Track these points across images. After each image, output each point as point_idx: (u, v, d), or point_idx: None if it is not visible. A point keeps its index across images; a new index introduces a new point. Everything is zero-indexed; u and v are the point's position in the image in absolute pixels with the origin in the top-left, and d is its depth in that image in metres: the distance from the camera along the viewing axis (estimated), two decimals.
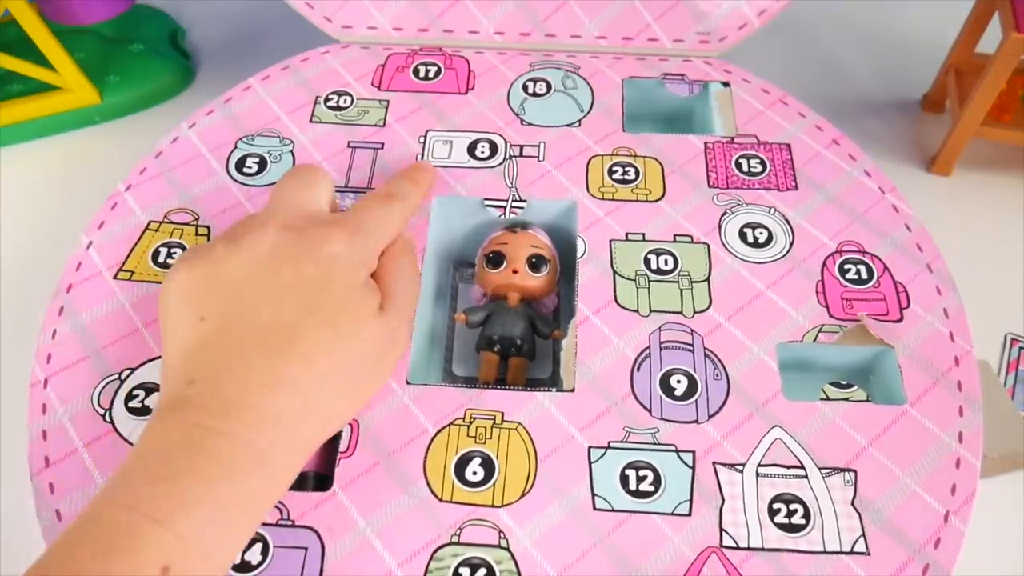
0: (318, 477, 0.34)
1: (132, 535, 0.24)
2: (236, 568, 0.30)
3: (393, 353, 0.32)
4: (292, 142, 0.43)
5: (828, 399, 0.34)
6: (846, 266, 0.38)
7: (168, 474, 0.25)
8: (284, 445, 0.28)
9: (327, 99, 0.46)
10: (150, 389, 0.34)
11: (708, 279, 0.38)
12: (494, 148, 0.43)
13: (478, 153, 0.43)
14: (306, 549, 0.30)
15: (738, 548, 0.30)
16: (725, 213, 0.40)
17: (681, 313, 0.36)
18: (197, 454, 0.26)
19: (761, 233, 0.39)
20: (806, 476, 0.32)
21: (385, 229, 0.34)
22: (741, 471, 0.32)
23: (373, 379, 0.31)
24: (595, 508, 0.31)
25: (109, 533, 0.24)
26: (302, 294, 0.29)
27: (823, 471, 0.32)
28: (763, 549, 0.30)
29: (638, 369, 0.35)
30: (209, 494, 0.25)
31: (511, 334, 0.38)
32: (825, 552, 0.30)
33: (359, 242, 0.31)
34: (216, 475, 0.26)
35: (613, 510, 0.31)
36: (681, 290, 0.37)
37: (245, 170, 0.42)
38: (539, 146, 0.43)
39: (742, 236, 0.39)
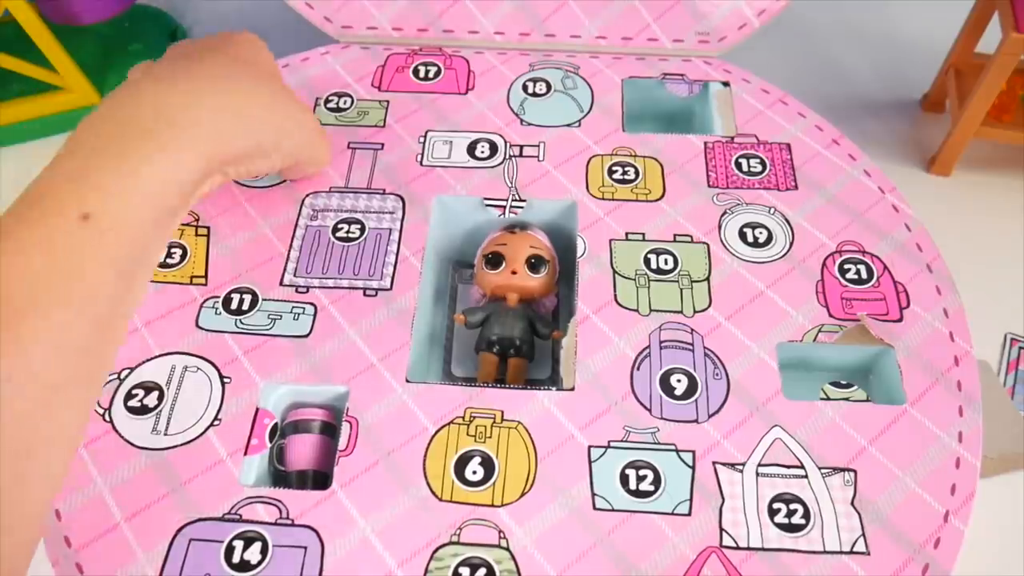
0: (317, 476, 0.34)
1: (51, 192, 0.27)
2: (236, 568, 0.30)
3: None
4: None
5: (828, 399, 0.34)
6: (846, 266, 0.38)
7: (90, 148, 0.29)
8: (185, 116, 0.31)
9: (327, 100, 0.46)
10: (149, 388, 0.34)
11: (708, 279, 0.38)
12: (494, 148, 0.43)
13: (478, 153, 0.43)
14: (306, 548, 0.30)
15: (738, 548, 0.30)
16: (725, 213, 0.40)
17: (681, 313, 0.36)
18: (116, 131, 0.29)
19: (761, 233, 0.39)
20: (806, 476, 0.32)
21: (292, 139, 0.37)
22: (741, 471, 0.32)
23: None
24: (595, 508, 0.31)
25: (31, 194, 0.27)
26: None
27: (823, 471, 0.32)
28: (763, 549, 0.30)
29: (638, 368, 0.35)
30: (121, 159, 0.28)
31: (510, 335, 0.38)
32: (825, 552, 0.30)
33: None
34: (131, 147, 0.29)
35: (613, 510, 0.31)
36: (681, 290, 0.37)
37: None
38: (539, 146, 0.43)
39: (742, 236, 0.39)
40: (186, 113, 0.31)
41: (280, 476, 0.34)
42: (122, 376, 0.35)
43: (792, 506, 0.31)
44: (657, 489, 0.32)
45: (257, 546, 0.30)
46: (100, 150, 0.28)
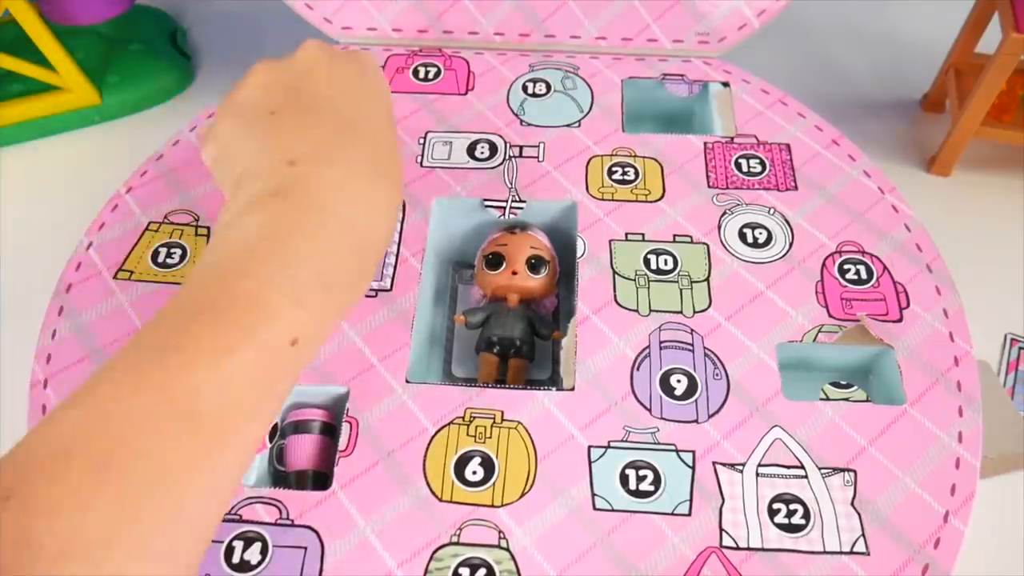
0: (317, 476, 0.34)
1: (271, 309, 0.24)
2: (236, 568, 0.30)
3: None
4: None
5: (828, 399, 0.34)
6: (846, 266, 0.38)
7: (292, 256, 0.25)
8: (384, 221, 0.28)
9: None
10: None
11: (708, 279, 0.38)
12: (494, 149, 0.43)
13: (478, 154, 0.43)
14: (306, 549, 0.30)
15: (738, 548, 0.30)
16: (725, 213, 0.40)
17: (681, 313, 0.36)
18: (314, 238, 0.26)
19: (761, 233, 0.39)
20: (806, 476, 0.32)
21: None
22: (741, 471, 0.32)
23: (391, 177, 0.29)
24: (595, 508, 0.31)
25: (251, 305, 0.24)
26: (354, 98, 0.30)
27: (823, 471, 0.32)
28: (763, 549, 0.30)
29: (638, 369, 0.35)
30: (328, 278, 0.25)
31: (510, 335, 0.38)
32: (825, 552, 0.30)
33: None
34: (333, 260, 0.26)
35: (613, 510, 0.31)
36: (681, 290, 0.37)
37: None
38: (539, 146, 0.43)
39: (742, 236, 0.39)
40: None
41: (280, 476, 0.34)
42: None
43: (792, 506, 0.31)
44: (657, 489, 0.32)
45: (257, 546, 0.30)
46: (304, 259, 0.25)
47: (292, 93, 0.29)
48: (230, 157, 0.28)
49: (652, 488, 0.32)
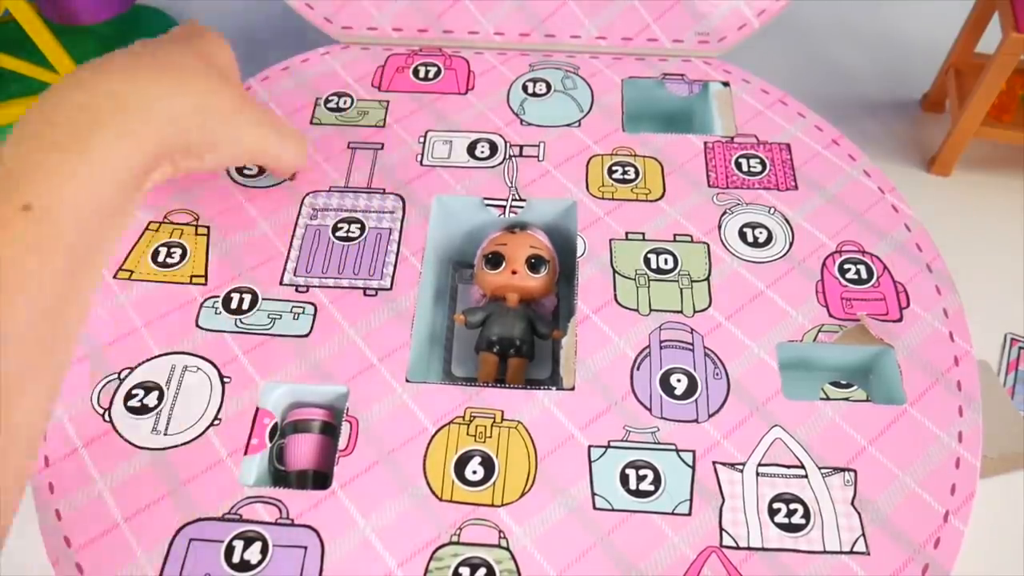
0: (317, 476, 0.34)
1: None
2: (236, 568, 0.30)
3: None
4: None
5: (828, 399, 0.34)
6: (846, 266, 0.38)
7: (32, 128, 0.28)
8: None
9: (327, 100, 0.46)
10: (149, 388, 0.34)
11: (708, 278, 0.38)
12: (494, 148, 0.43)
13: (478, 153, 0.43)
14: (305, 548, 0.30)
15: (738, 548, 0.30)
16: (725, 213, 0.40)
17: (681, 312, 0.36)
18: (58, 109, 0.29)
19: (761, 233, 0.39)
20: (806, 476, 0.32)
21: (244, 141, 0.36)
22: (741, 471, 0.32)
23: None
24: (595, 507, 0.31)
25: None
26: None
27: (823, 471, 0.32)
28: (763, 549, 0.30)
29: (638, 368, 0.35)
30: (67, 143, 0.28)
31: (510, 335, 0.38)
32: (825, 552, 0.30)
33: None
34: (76, 125, 0.29)
35: (613, 509, 0.31)
36: (681, 289, 0.37)
37: (246, 171, 0.42)
38: (539, 146, 0.43)
39: (742, 236, 0.39)
40: (138, 100, 0.31)
41: (280, 476, 0.34)
42: (122, 376, 0.35)
43: (792, 506, 0.31)
44: (657, 489, 0.32)
45: (257, 546, 0.30)
46: (46, 138, 0.28)
47: None
48: None
49: (652, 488, 0.32)
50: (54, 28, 0.59)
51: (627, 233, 0.39)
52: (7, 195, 0.27)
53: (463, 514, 0.31)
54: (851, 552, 0.30)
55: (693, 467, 0.32)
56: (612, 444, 0.33)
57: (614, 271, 0.38)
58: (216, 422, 0.33)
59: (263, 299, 0.37)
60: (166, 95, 0.32)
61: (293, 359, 0.35)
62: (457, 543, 0.30)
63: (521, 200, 0.41)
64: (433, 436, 0.33)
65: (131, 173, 0.30)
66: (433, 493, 0.31)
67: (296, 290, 0.37)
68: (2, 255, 0.26)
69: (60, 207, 0.27)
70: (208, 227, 0.40)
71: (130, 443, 0.33)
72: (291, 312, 0.37)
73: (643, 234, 0.39)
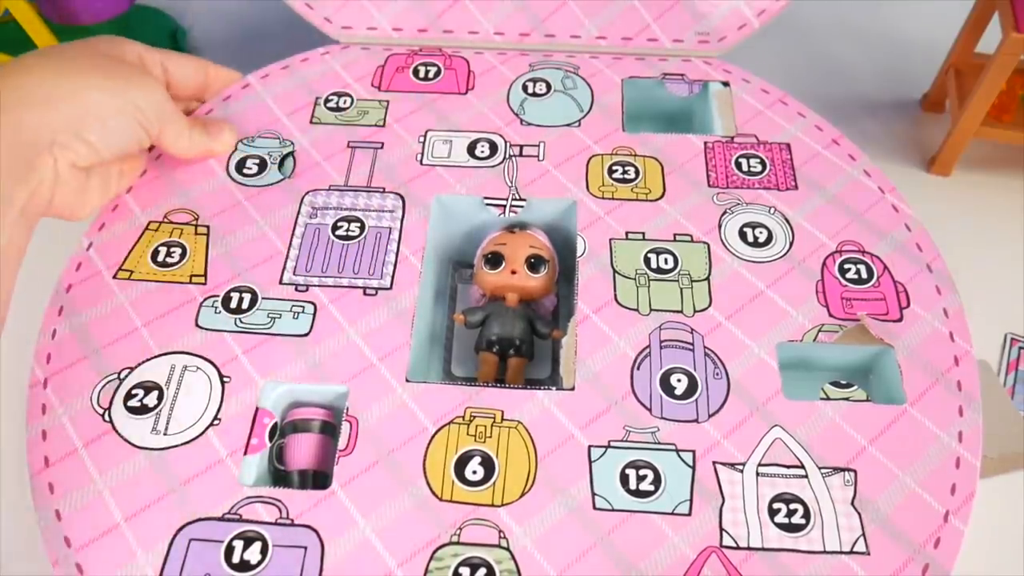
0: (317, 475, 0.34)
1: None
2: (236, 568, 0.30)
3: None
4: (292, 143, 0.43)
5: (828, 399, 0.34)
6: (846, 266, 0.38)
7: None
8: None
9: (327, 100, 0.46)
10: (149, 388, 0.34)
11: (708, 278, 0.38)
12: (494, 148, 0.43)
13: (478, 153, 0.43)
14: (305, 548, 0.30)
15: (738, 548, 0.30)
16: (725, 212, 0.40)
17: (681, 312, 0.36)
18: None
19: (761, 233, 0.39)
20: (806, 476, 0.32)
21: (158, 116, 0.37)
22: (741, 471, 0.32)
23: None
24: (595, 507, 0.31)
25: None
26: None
27: (823, 471, 0.32)
28: (763, 549, 0.30)
29: (638, 368, 0.35)
30: None
31: (510, 334, 0.38)
32: (825, 552, 0.30)
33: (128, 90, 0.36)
34: None
35: (613, 509, 0.31)
36: (681, 289, 0.37)
37: (245, 171, 0.42)
38: (539, 146, 0.43)
39: (742, 235, 0.39)
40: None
41: (280, 476, 0.34)
42: (122, 376, 0.35)
43: (792, 506, 0.31)
44: (657, 489, 0.32)
45: (257, 546, 0.30)
46: None
47: None
48: None
49: (652, 488, 0.32)
50: (54, 28, 0.59)
51: (627, 233, 0.39)
52: None
53: (463, 514, 0.31)
54: (851, 552, 0.30)
55: (693, 467, 0.32)
56: (612, 444, 0.33)
57: (614, 271, 0.38)
58: (216, 422, 0.33)
59: (263, 298, 0.37)
60: (26, 81, 0.33)
61: (293, 359, 0.35)
62: (457, 543, 0.30)
63: (521, 200, 0.41)
64: (433, 436, 0.33)
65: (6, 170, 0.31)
66: (433, 493, 0.31)
67: (296, 289, 0.37)
68: None
69: None
70: (208, 226, 0.40)
71: (130, 443, 0.33)
72: (291, 311, 0.37)
73: (643, 234, 0.39)
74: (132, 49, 0.39)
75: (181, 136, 0.40)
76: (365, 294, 0.37)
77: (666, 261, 0.38)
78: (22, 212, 0.33)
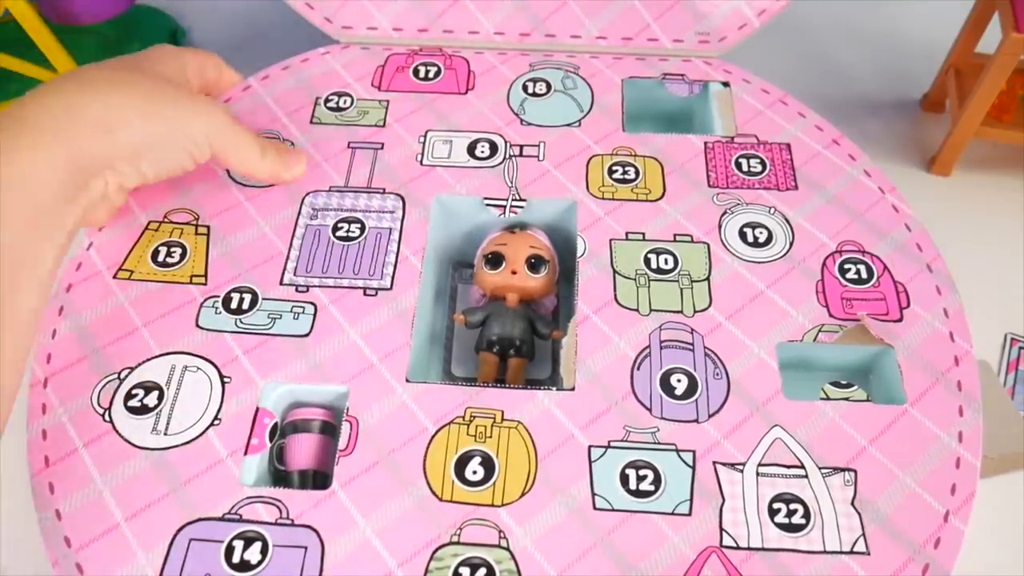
0: (317, 476, 0.34)
1: None
2: (236, 568, 0.30)
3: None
4: (292, 143, 0.43)
5: (828, 399, 0.34)
6: (846, 266, 0.38)
7: None
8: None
9: (327, 100, 0.46)
10: (149, 388, 0.34)
11: (708, 278, 0.38)
12: (494, 148, 0.43)
13: (478, 153, 0.43)
14: (305, 548, 0.30)
15: (738, 548, 0.30)
16: (725, 213, 0.40)
17: (681, 312, 0.36)
18: None
19: (761, 233, 0.39)
20: (806, 476, 0.32)
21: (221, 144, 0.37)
22: (741, 471, 0.32)
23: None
24: (595, 508, 0.31)
25: None
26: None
27: (823, 471, 0.32)
28: (763, 549, 0.30)
29: (638, 368, 0.35)
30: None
31: (510, 335, 0.38)
32: (825, 552, 0.30)
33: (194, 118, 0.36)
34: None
35: (613, 510, 0.31)
36: (681, 289, 0.37)
37: None
38: (539, 146, 0.43)
39: (742, 236, 0.39)
40: (53, 114, 0.32)
41: (280, 476, 0.34)
42: (122, 376, 0.35)
43: (792, 506, 0.31)
44: (657, 489, 0.32)
45: (257, 546, 0.30)
46: None
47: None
48: None
49: (652, 488, 0.32)
50: (54, 28, 0.59)
51: (627, 233, 0.39)
52: None
53: (463, 514, 0.31)
54: (851, 552, 0.30)
55: (693, 467, 0.32)
56: (612, 444, 0.33)
57: (614, 271, 0.38)
58: (216, 422, 0.33)
59: (263, 299, 0.37)
60: (91, 103, 0.32)
61: (293, 359, 0.35)
62: (457, 543, 0.30)
63: (521, 200, 0.41)
64: (433, 436, 0.33)
65: (56, 188, 0.31)
66: (433, 493, 0.31)
67: (296, 290, 0.37)
68: None
69: None
70: (208, 227, 0.40)
71: (130, 443, 0.33)
72: (291, 312, 0.37)
73: (643, 234, 0.39)
74: (186, 61, 0.39)
75: (251, 160, 0.39)
76: (365, 294, 0.37)
77: (666, 261, 0.38)
78: (69, 233, 0.33)
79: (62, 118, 0.32)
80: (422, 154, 0.43)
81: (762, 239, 0.39)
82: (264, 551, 0.30)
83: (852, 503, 0.31)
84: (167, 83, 0.36)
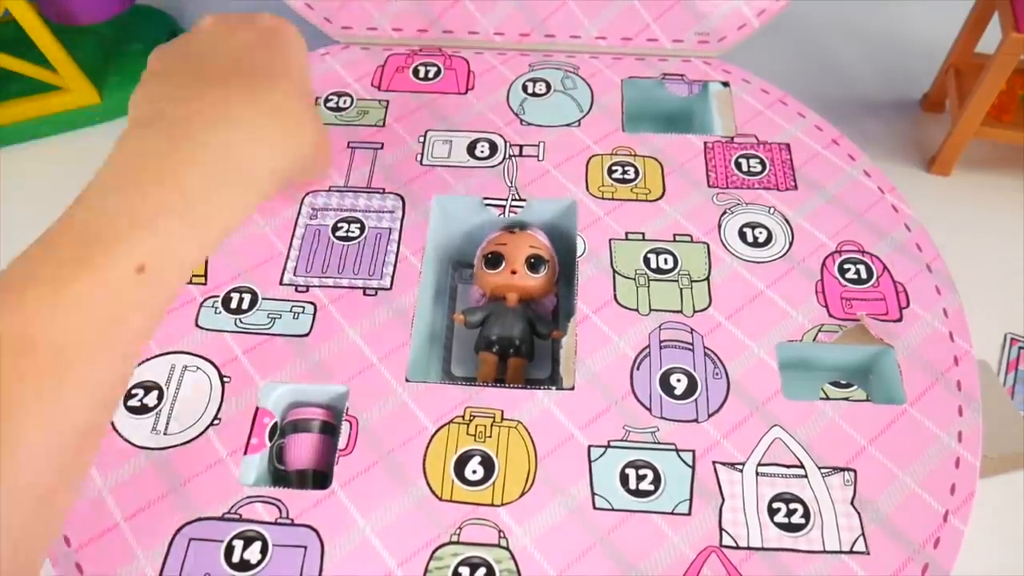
0: (317, 475, 0.34)
1: (110, 235, 0.24)
2: (236, 567, 0.30)
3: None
4: None
5: (828, 398, 0.34)
6: (846, 266, 0.38)
7: (146, 181, 0.26)
8: (260, 158, 0.30)
9: (327, 100, 0.46)
10: (149, 388, 0.34)
11: (708, 278, 0.38)
12: (494, 148, 0.43)
13: (478, 153, 0.43)
14: (305, 548, 0.30)
15: (738, 547, 0.30)
16: (725, 213, 0.40)
17: (681, 312, 0.36)
18: (175, 163, 0.27)
19: (761, 233, 0.39)
20: (806, 476, 0.32)
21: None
22: (741, 470, 0.32)
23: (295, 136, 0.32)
24: (595, 507, 0.31)
25: (87, 234, 0.24)
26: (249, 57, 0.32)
27: (823, 471, 0.32)
28: (763, 548, 0.30)
29: (638, 368, 0.35)
30: (184, 202, 0.26)
31: (510, 334, 0.38)
32: (825, 552, 0.30)
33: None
34: (195, 184, 0.27)
35: (613, 509, 0.31)
36: (681, 289, 0.37)
37: None
38: (539, 146, 0.43)
39: (742, 236, 0.39)
40: (252, 163, 0.29)
41: (280, 475, 0.34)
42: None
43: (792, 506, 0.31)
44: (657, 489, 0.32)
45: (257, 545, 0.30)
46: (156, 184, 0.26)
47: (180, 55, 0.32)
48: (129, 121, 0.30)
49: (652, 488, 0.32)
50: (54, 28, 0.59)
51: (627, 233, 0.39)
52: (124, 253, 0.24)
53: (463, 514, 0.31)
54: (851, 552, 0.30)
55: (693, 467, 0.32)
56: (612, 444, 0.33)
57: (614, 271, 0.38)
58: (216, 422, 0.33)
59: (263, 299, 0.37)
60: (277, 155, 0.31)
61: (293, 359, 0.35)
62: (457, 543, 0.30)
63: (521, 200, 0.41)
64: (433, 436, 0.33)
65: (222, 236, 0.29)
66: (433, 493, 0.31)
67: (296, 290, 0.37)
68: (111, 315, 0.24)
69: (166, 271, 0.26)
70: None
71: (130, 443, 0.33)
72: (291, 312, 0.37)
73: (643, 234, 0.39)
74: (304, 54, 0.36)
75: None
76: (365, 294, 0.37)
77: (666, 261, 0.38)
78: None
79: (258, 166, 0.30)
80: (422, 154, 0.43)
81: (762, 239, 0.39)
82: (264, 551, 0.30)
83: (852, 503, 0.31)
84: (298, 102, 0.33)
